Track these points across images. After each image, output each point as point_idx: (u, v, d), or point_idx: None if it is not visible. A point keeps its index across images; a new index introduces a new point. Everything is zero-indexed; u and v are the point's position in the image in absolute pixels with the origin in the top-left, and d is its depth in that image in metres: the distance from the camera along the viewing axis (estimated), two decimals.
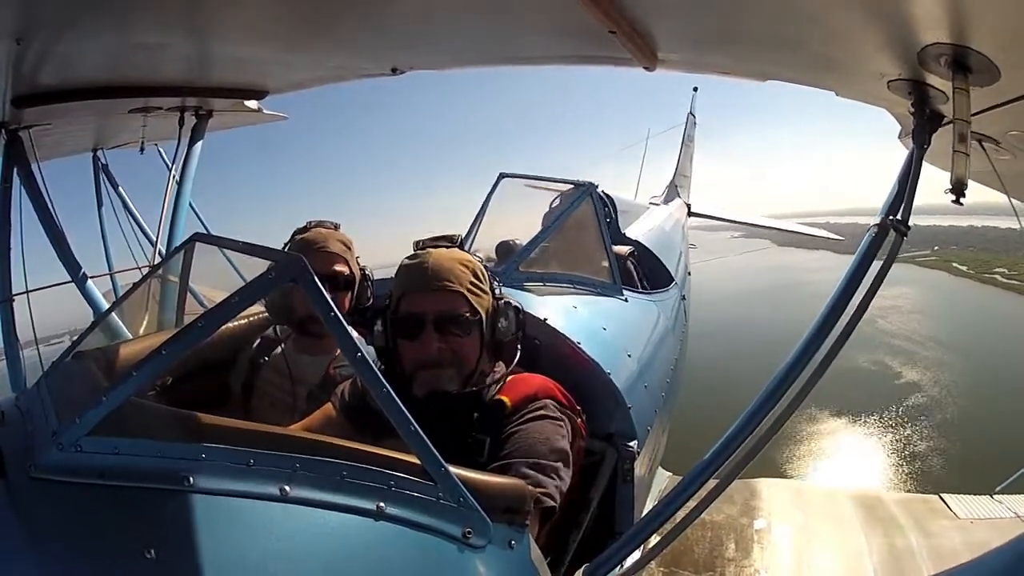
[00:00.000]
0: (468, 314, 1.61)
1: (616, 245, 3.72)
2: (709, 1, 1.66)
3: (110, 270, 4.71)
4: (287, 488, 1.10)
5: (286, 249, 2.16)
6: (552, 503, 1.41)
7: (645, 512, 1.93)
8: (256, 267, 1.37)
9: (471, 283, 1.63)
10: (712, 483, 1.72)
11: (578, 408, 1.69)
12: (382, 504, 1.14)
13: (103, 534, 1.02)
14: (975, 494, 3.70)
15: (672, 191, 8.97)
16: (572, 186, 3.34)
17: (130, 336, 2.43)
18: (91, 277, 3.78)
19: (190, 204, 4.15)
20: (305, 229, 2.24)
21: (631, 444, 2.10)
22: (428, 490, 1.17)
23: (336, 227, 2.27)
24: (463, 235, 1.85)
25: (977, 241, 50.46)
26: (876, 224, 1.74)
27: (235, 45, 2.53)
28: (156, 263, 4.05)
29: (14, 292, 3.47)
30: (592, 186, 3.20)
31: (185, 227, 3.99)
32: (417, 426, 1.17)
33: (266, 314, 2.23)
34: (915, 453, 14.31)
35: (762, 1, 1.55)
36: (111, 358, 1.75)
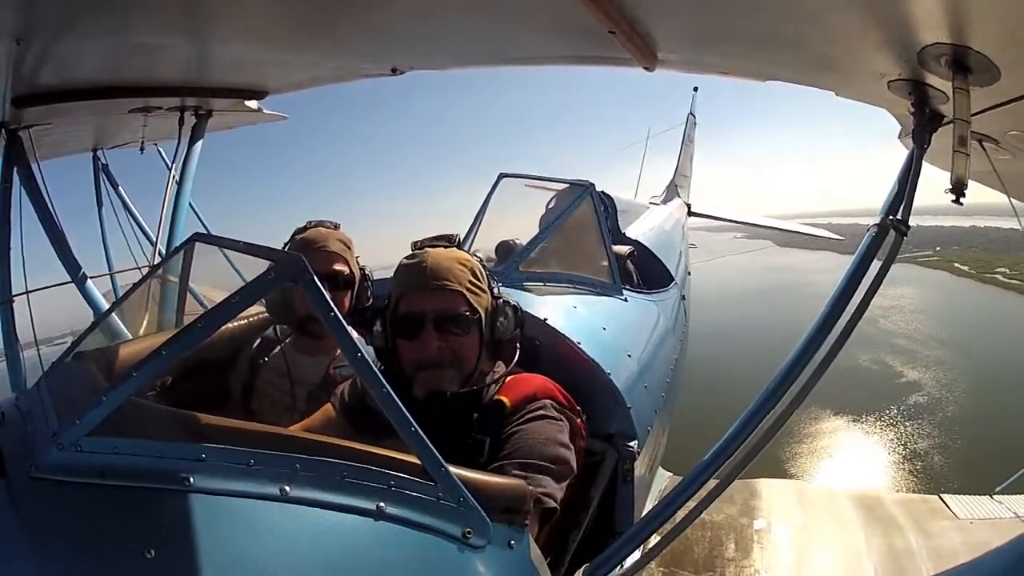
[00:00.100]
0: (467, 313, 1.61)
1: (616, 245, 3.72)
2: (708, 1, 1.66)
3: (110, 270, 4.72)
4: (287, 488, 1.10)
5: (286, 249, 2.16)
6: (552, 504, 1.41)
7: (645, 512, 1.93)
8: (256, 267, 1.37)
9: (470, 282, 1.63)
10: (712, 483, 1.72)
11: (578, 408, 1.69)
12: (382, 504, 1.14)
13: (103, 534, 1.03)
14: (975, 489, 3.70)
15: (672, 191, 8.96)
16: (571, 186, 3.34)
17: (130, 336, 2.43)
18: (91, 277, 3.78)
19: (190, 204, 4.15)
20: (305, 229, 2.24)
21: (631, 444, 2.10)
22: (428, 490, 1.18)
23: (336, 227, 2.27)
24: (462, 235, 1.85)
25: (979, 241, 50.57)
26: (876, 224, 1.74)
27: (235, 45, 2.54)
28: (156, 263, 4.05)
29: (14, 293, 3.47)
30: (591, 186, 3.20)
31: (185, 227, 4.00)
32: (417, 426, 1.17)
33: (266, 314, 2.23)
34: (916, 451, 14.41)
35: (761, 1, 1.55)
36: (111, 358, 1.75)
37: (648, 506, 2.56)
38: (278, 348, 2.16)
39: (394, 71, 2.78)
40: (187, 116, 3.66)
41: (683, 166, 9.80)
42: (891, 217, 1.73)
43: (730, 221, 11.02)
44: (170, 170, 4.09)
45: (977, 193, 2.22)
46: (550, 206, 3.71)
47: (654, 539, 1.78)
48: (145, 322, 2.44)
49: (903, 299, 28.42)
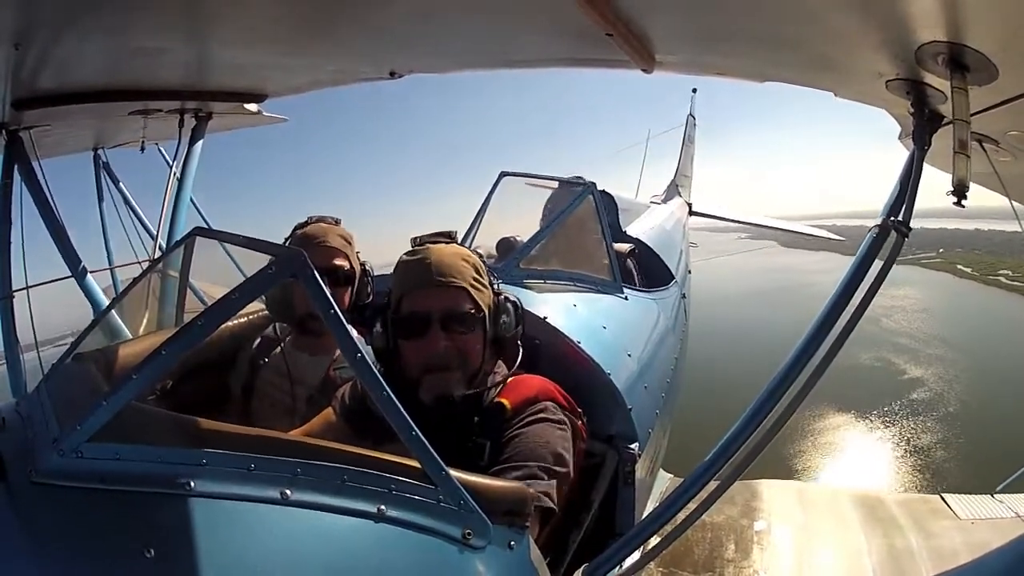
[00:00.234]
0: (473, 311, 1.57)
1: (617, 243, 3.72)
2: (705, 2, 1.65)
3: (111, 265, 4.72)
4: (288, 492, 1.10)
5: (286, 244, 2.15)
6: (551, 504, 1.41)
7: (646, 514, 1.93)
8: (256, 261, 1.35)
9: (473, 278, 1.60)
10: (713, 485, 1.72)
11: (579, 410, 1.68)
12: (383, 507, 1.14)
13: (104, 539, 1.03)
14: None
15: (673, 191, 8.98)
16: (572, 185, 3.34)
17: (130, 334, 2.43)
18: (91, 272, 3.78)
19: (191, 200, 4.15)
20: (306, 224, 2.22)
21: (632, 446, 2.09)
22: (429, 493, 1.18)
23: (337, 222, 2.26)
24: (461, 234, 1.83)
25: (982, 244, 50.67)
26: (877, 225, 1.74)
27: (234, 47, 2.54)
28: (156, 258, 4.05)
29: (15, 288, 3.47)
30: (592, 185, 3.20)
31: (186, 224, 3.99)
32: (417, 430, 1.17)
33: (266, 312, 2.23)
34: (918, 446, 14.52)
35: (758, 1, 1.54)
36: (111, 359, 1.74)
37: (649, 508, 2.56)
38: (278, 348, 2.16)
39: (392, 75, 2.78)
40: (187, 118, 3.67)
41: (684, 166, 9.82)
42: (892, 218, 1.73)
43: (731, 220, 11.03)
44: (171, 167, 4.09)
45: (981, 196, 2.22)
46: (548, 209, 3.72)
47: (654, 540, 1.78)
48: (145, 319, 2.44)
49: (906, 299, 28.62)
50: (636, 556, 1.77)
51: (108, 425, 1.09)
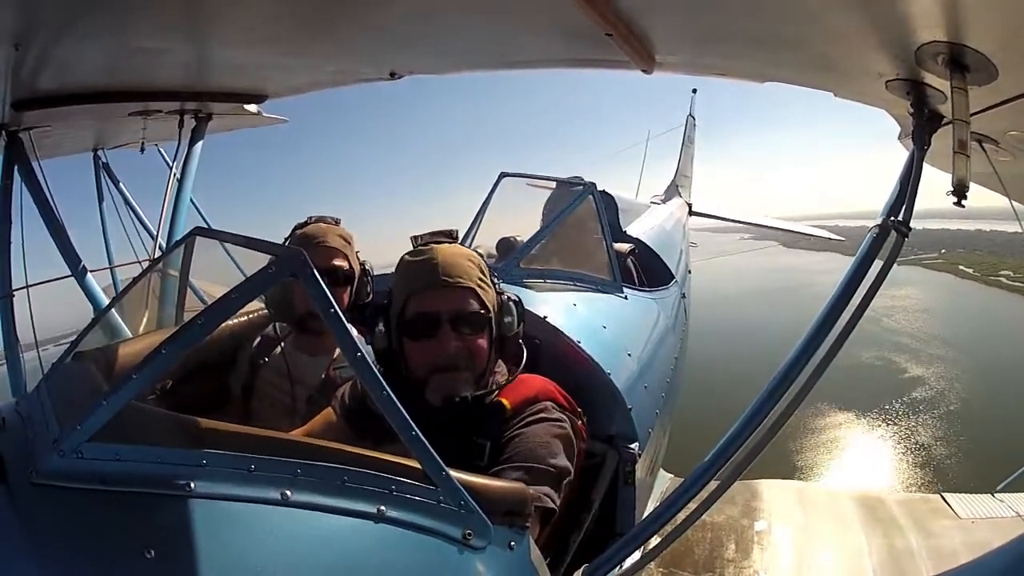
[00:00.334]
0: (482, 311, 1.57)
1: (617, 243, 3.72)
2: (706, 2, 1.65)
3: (111, 265, 4.72)
4: (288, 493, 1.10)
5: (286, 244, 2.15)
6: (551, 504, 1.41)
7: (646, 514, 1.93)
8: (256, 261, 1.35)
9: (479, 278, 1.59)
10: (713, 485, 1.72)
11: (579, 410, 1.68)
12: (383, 507, 1.14)
13: (104, 540, 1.03)
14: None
15: (673, 191, 8.98)
16: (572, 186, 3.35)
17: (130, 333, 2.42)
18: (91, 271, 3.79)
19: (192, 201, 4.15)
20: (305, 224, 2.23)
21: (632, 446, 2.09)
22: (429, 494, 1.18)
23: (337, 222, 2.26)
24: (461, 234, 1.82)
25: (984, 244, 50.84)
26: (877, 225, 1.74)
27: (234, 47, 2.54)
28: (156, 257, 4.05)
29: (15, 287, 3.48)
30: (592, 185, 3.20)
31: (186, 224, 3.99)
32: (417, 430, 1.17)
33: (266, 311, 2.22)
34: (918, 443, 14.67)
35: (758, 2, 1.55)
36: (111, 358, 1.74)
37: (649, 508, 2.56)
38: (278, 347, 2.16)
39: (392, 75, 2.78)
40: (187, 119, 3.67)
41: (684, 166, 9.83)
42: (892, 218, 1.73)
43: (730, 220, 11.04)
44: (171, 168, 4.10)
45: (982, 197, 2.22)
46: (546, 210, 3.72)
47: (654, 540, 1.78)
48: (145, 318, 2.44)
49: (907, 299, 28.85)
50: (636, 556, 1.77)
51: (108, 425, 1.09)
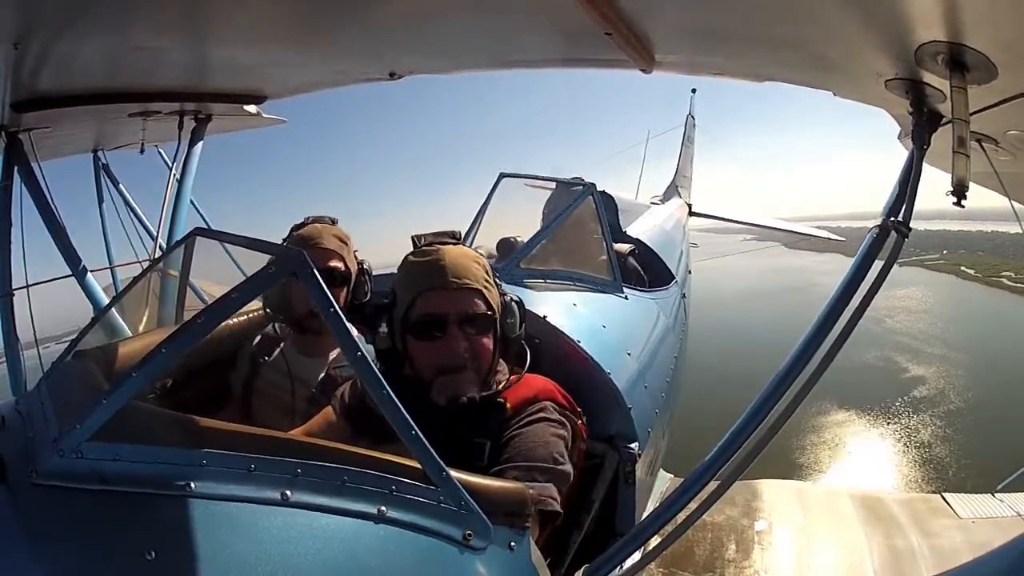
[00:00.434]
0: (489, 312, 1.58)
1: (617, 243, 3.72)
2: (706, 2, 1.65)
3: (111, 266, 4.73)
4: (288, 493, 1.10)
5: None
6: (554, 506, 1.40)
7: (646, 514, 1.93)
8: (257, 261, 1.35)
9: (485, 280, 1.60)
10: (713, 485, 1.72)
11: (579, 410, 1.68)
12: (383, 508, 1.14)
13: (104, 540, 1.03)
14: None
15: (673, 191, 8.97)
16: (572, 186, 3.34)
17: (130, 333, 2.42)
18: (92, 271, 3.79)
19: (192, 202, 4.16)
20: (303, 224, 2.24)
21: (632, 446, 2.09)
22: (429, 494, 1.18)
23: (334, 222, 2.27)
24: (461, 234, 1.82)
25: (985, 245, 50.92)
26: (877, 225, 1.74)
27: (233, 47, 2.54)
28: (156, 258, 4.06)
29: (15, 287, 3.48)
30: (592, 186, 3.20)
31: (186, 225, 4.00)
32: (417, 429, 1.17)
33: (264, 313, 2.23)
34: (918, 441, 14.83)
35: (758, 2, 1.55)
36: (111, 357, 1.74)
37: (649, 508, 2.56)
38: (278, 347, 2.16)
39: (392, 75, 2.78)
40: (186, 120, 3.67)
41: (683, 167, 9.81)
42: (892, 218, 1.72)
43: (730, 221, 11.02)
44: (171, 169, 4.10)
45: (984, 197, 2.22)
46: (545, 212, 3.72)
47: (655, 540, 1.78)
48: (145, 317, 2.44)
49: (909, 300, 29.06)
50: (637, 556, 1.77)
51: (108, 424, 1.09)
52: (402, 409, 1.17)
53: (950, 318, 27.21)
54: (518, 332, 1.68)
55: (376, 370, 1.20)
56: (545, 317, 2.23)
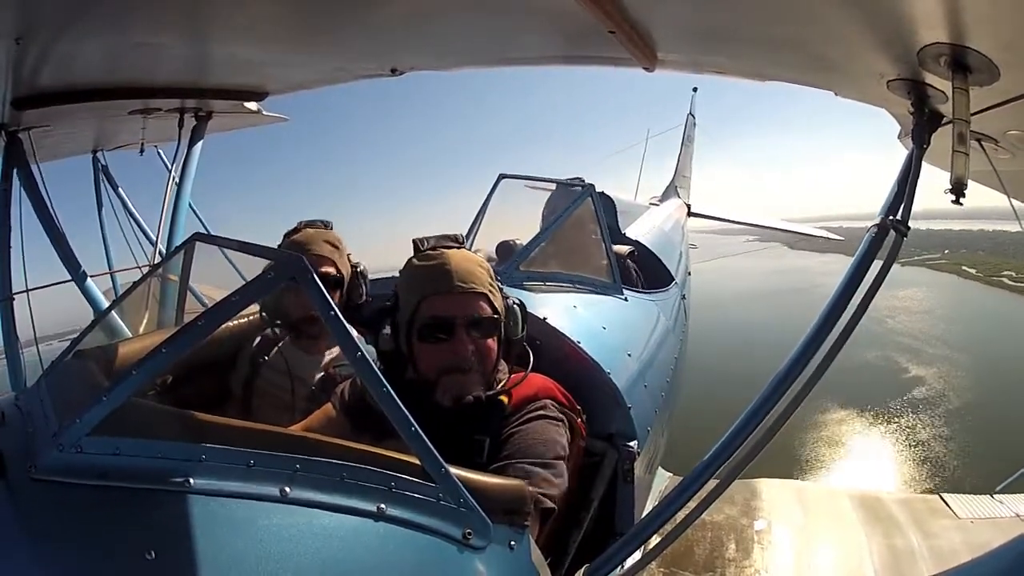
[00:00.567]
0: (495, 316, 1.60)
1: (616, 245, 3.72)
2: (709, 2, 1.65)
3: (110, 270, 4.73)
4: (287, 489, 1.10)
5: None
6: (551, 504, 1.41)
7: (645, 513, 1.93)
8: (256, 267, 1.37)
9: (489, 284, 1.62)
10: (712, 483, 1.72)
11: (578, 408, 1.69)
12: (383, 505, 1.14)
13: (104, 535, 1.03)
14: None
15: (672, 192, 8.96)
16: (571, 187, 3.34)
17: (130, 335, 2.43)
18: (91, 276, 3.79)
19: (190, 205, 4.16)
20: (296, 230, 2.25)
21: (631, 444, 2.09)
22: (428, 491, 1.17)
23: (327, 225, 2.27)
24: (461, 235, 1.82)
25: (986, 245, 50.98)
26: (876, 224, 1.74)
27: (234, 45, 2.54)
28: (156, 263, 4.06)
29: (15, 291, 3.48)
30: (591, 187, 3.20)
31: (185, 228, 4.01)
32: (417, 427, 1.17)
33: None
34: (918, 440, 14.95)
35: (762, 1, 1.55)
36: (111, 357, 1.74)
37: (648, 506, 2.56)
38: (278, 347, 2.17)
39: (394, 71, 2.77)
40: (187, 118, 3.67)
41: (683, 166, 9.80)
42: (891, 217, 1.72)
43: (729, 221, 11.01)
44: (170, 172, 4.10)
45: (984, 197, 2.22)
46: (545, 213, 3.72)
47: (655, 539, 1.78)
48: (145, 321, 2.45)
49: (910, 300, 29.17)
50: (637, 556, 1.77)
51: (108, 420, 1.09)
52: (401, 406, 1.17)
53: (951, 319, 27.33)
54: (520, 334, 1.70)
55: (376, 370, 1.20)
56: (545, 319, 2.24)
